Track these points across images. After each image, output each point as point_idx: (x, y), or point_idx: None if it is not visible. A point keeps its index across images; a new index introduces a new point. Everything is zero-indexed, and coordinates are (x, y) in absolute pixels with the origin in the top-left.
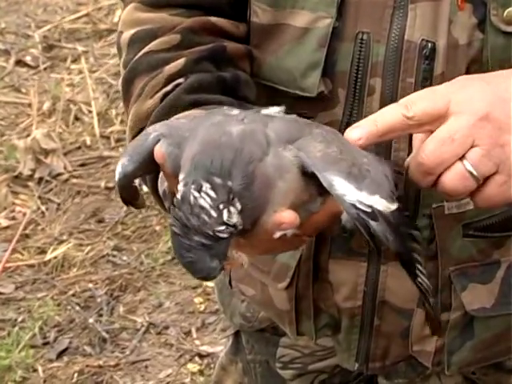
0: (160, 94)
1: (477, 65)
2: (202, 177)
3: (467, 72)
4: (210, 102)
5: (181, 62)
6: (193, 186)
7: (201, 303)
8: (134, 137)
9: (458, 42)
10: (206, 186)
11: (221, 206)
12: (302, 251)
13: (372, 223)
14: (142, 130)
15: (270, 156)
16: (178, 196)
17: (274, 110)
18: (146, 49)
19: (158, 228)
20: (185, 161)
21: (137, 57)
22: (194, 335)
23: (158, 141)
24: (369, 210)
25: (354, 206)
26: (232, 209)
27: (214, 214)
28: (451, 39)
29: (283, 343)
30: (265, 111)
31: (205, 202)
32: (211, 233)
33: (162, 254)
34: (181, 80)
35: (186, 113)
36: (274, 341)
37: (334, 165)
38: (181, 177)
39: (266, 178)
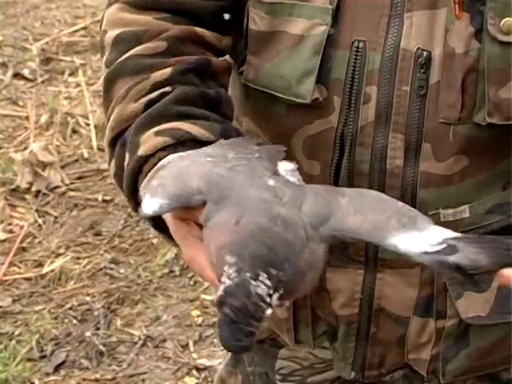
0: (145, 100)
1: (473, 74)
2: (260, 266)
3: (463, 82)
4: (197, 116)
5: (167, 71)
6: (248, 274)
7: (198, 316)
8: (113, 138)
9: (455, 51)
10: (263, 276)
11: (271, 292)
12: None
13: (453, 258)
14: (123, 131)
15: (307, 252)
16: (232, 283)
17: (287, 168)
18: (132, 52)
19: (155, 241)
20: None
21: (121, 58)
22: (192, 348)
23: (203, 202)
24: (442, 246)
25: (426, 252)
26: (277, 294)
27: (267, 300)
28: (447, 48)
29: (282, 355)
30: (281, 169)
31: (262, 290)
32: (261, 316)
33: (160, 267)
34: (167, 89)
35: (212, 147)
36: (273, 352)
37: (385, 228)
38: (231, 260)
39: (302, 271)
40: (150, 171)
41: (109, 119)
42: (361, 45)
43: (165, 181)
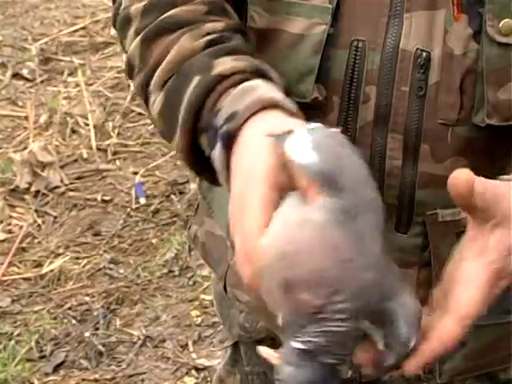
0: (205, 39)
1: (472, 75)
2: (365, 316)
3: (461, 83)
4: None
5: (218, 25)
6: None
7: (197, 316)
8: (166, 80)
9: (454, 52)
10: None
11: None
12: None
13: None
14: (180, 67)
15: None
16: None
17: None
18: (169, 13)
19: (154, 241)
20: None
21: (159, 19)
22: (191, 348)
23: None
24: None
25: None
26: None
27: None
28: (446, 49)
29: None
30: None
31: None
32: None
33: (159, 267)
34: (226, 34)
35: None
36: None
37: None
38: (339, 297)
39: None
40: (224, 91)
41: (155, 69)
42: (360, 44)
43: None
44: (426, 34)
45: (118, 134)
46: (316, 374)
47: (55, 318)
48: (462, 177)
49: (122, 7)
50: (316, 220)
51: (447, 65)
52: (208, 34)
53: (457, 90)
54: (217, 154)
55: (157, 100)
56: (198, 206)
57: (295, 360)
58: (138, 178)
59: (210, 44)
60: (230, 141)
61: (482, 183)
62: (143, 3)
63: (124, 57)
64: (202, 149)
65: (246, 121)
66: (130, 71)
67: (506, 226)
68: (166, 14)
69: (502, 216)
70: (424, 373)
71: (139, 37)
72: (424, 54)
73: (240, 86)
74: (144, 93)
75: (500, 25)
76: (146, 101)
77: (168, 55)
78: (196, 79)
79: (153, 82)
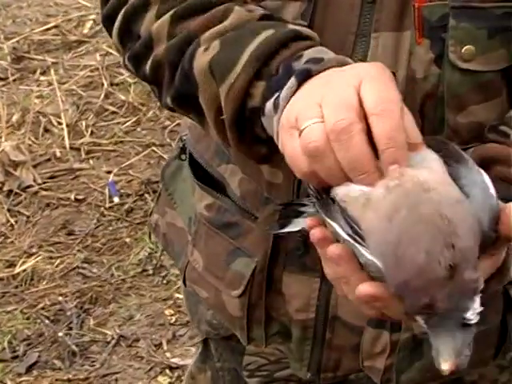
0: (259, 13)
1: (433, 99)
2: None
3: (422, 106)
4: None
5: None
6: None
7: (171, 315)
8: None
9: (415, 75)
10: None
11: None
12: (257, 262)
13: None
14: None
15: None
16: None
17: None
18: None
19: (128, 240)
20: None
21: (192, 0)
22: (165, 347)
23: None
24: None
25: None
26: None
27: None
28: (410, 71)
29: (249, 351)
30: None
31: None
32: None
33: (133, 266)
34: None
35: None
36: (240, 348)
37: None
38: None
39: None
40: (296, 52)
41: (199, 31)
42: None
43: None
44: (393, 54)
45: (92, 132)
46: None
47: (28, 318)
48: None
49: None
50: None
51: (410, 87)
52: (252, 10)
53: (417, 113)
54: (286, 88)
55: (210, 47)
56: (159, 194)
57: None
58: (111, 177)
59: (264, 16)
60: (306, 78)
61: None
62: None
63: (143, 35)
64: (249, 105)
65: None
66: (147, 46)
67: None
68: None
69: None
70: (381, 382)
71: (168, 14)
72: None
73: (318, 46)
74: (177, 51)
75: (462, 51)
76: (177, 61)
77: (225, 20)
78: (269, 31)
79: (203, 38)
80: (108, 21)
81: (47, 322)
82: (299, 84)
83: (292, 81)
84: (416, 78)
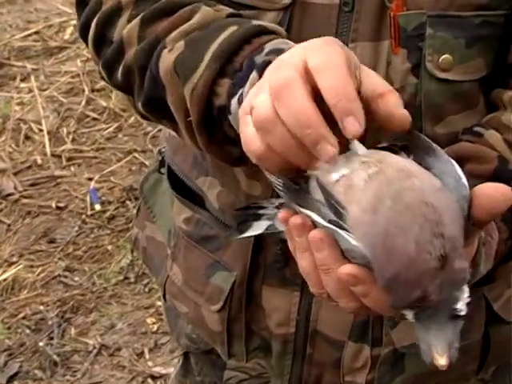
0: (226, 11)
1: (410, 109)
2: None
3: None
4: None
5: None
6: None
7: (153, 323)
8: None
9: (393, 85)
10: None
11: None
12: (236, 276)
13: None
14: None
15: None
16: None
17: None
18: None
19: (110, 248)
20: None
21: (161, 2)
22: (147, 356)
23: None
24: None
25: None
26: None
27: None
28: (388, 81)
29: (230, 365)
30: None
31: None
32: None
33: (114, 274)
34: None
35: None
36: (221, 363)
37: None
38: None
39: None
40: (259, 47)
41: (166, 33)
42: None
43: None
44: (371, 64)
45: (73, 139)
46: None
47: (9, 328)
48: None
49: (107, 6)
50: None
51: None
52: (219, 9)
53: None
54: (249, 83)
55: (174, 47)
56: (139, 208)
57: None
58: (92, 184)
59: (231, 15)
60: (265, 67)
61: None
62: None
63: (115, 39)
64: (216, 104)
65: None
66: (119, 51)
67: None
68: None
69: None
70: None
71: (138, 18)
72: None
73: (281, 39)
74: (145, 55)
75: (439, 60)
76: (146, 65)
77: (191, 20)
78: (232, 28)
79: (168, 39)
80: (84, 31)
81: (28, 331)
82: (260, 76)
83: (253, 74)
84: (393, 87)
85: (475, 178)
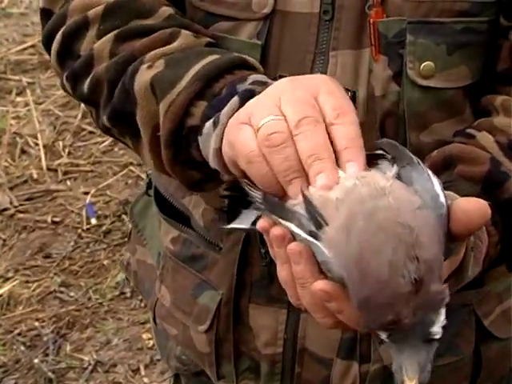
0: (205, 39)
1: (393, 117)
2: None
3: (382, 124)
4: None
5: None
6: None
7: (149, 339)
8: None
9: (374, 93)
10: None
11: None
12: (223, 295)
13: None
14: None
15: None
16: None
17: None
18: (145, 21)
19: (106, 262)
20: None
21: (136, 23)
22: (143, 372)
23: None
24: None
25: None
26: None
27: None
28: (370, 89)
29: None
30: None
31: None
32: None
33: (110, 289)
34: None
35: None
36: None
37: None
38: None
39: None
40: (241, 77)
41: (144, 51)
42: None
43: None
44: (352, 73)
45: (69, 153)
46: None
47: (4, 345)
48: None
49: (73, 19)
50: None
51: (370, 106)
52: (199, 36)
53: (377, 132)
54: (228, 105)
55: (154, 65)
56: (130, 233)
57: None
58: (88, 199)
59: (210, 44)
60: (249, 98)
61: None
62: (101, 7)
63: (84, 53)
64: (188, 123)
65: None
66: (87, 64)
67: None
68: (141, 21)
69: None
70: None
71: (111, 34)
72: (349, 93)
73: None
74: (117, 69)
75: (421, 67)
76: (117, 78)
77: (172, 43)
78: (215, 56)
79: (148, 56)
80: (47, 41)
81: (23, 348)
82: (242, 102)
83: (235, 99)
84: (375, 95)
85: (467, 180)
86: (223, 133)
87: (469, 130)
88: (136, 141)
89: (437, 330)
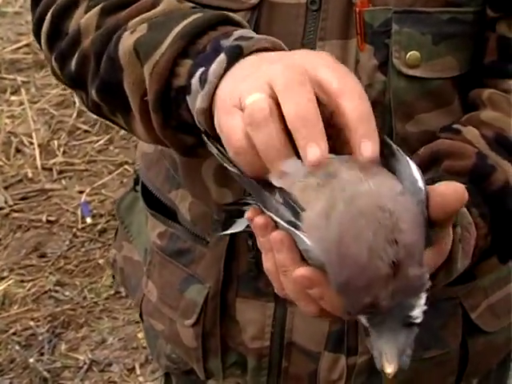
0: (189, 4)
1: (379, 107)
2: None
3: None
4: None
5: None
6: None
7: (144, 338)
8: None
9: (361, 82)
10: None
11: None
12: (210, 288)
13: None
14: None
15: None
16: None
17: None
18: None
19: (101, 261)
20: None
21: None
22: (138, 371)
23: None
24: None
25: None
26: None
27: None
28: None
29: None
30: None
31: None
32: None
33: (106, 288)
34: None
35: None
36: (201, 383)
37: None
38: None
39: None
40: (225, 33)
41: (128, 19)
42: None
43: None
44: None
45: (64, 152)
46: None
47: None
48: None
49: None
50: None
51: None
52: (183, 1)
53: None
54: (216, 63)
55: (137, 29)
56: (117, 230)
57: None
58: (83, 198)
59: (195, 7)
60: (238, 57)
61: None
62: None
63: (71, 30)
64: (174, 84)
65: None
66: (75, 40)
67: None
68: None
69: None
70: None
71: (97, 7)
72: None
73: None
74: (103, 40)
75: (407, 57)
76: (103, 50)
77: (155, 8)
78: (197, 15)
79: (130, 23)
80: (38, 27)
81: (18, 347)
82: (229, 59)
83: (222, 56)
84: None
85: (454, 175)
86: (213, 93)
87: (455, 126)
88: (127, 115)
89: (416, 314)
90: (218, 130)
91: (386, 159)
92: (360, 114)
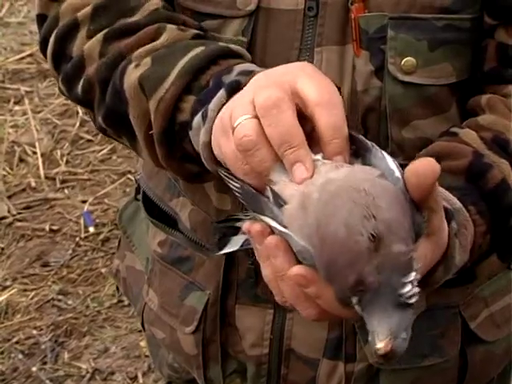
0: (192, 32)
1: (375, 113)
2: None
3: (364, 119)
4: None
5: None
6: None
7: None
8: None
9: (357, 89)
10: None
11: None
12: (210, 295)
13: None
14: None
15: None
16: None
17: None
18: (131, 19)
19: (103, 270)
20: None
21: (122, 22)
22: (141, 380)
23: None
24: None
25: None
26: None
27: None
28: (353, 85)
29: None
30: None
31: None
32: None
33: (108, 297)
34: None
35: None
36: None
37: None
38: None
39: None
40: (227, 68)
41: (131, 49)
42: None
43: None
44: (337, 69)
45: (67, 161)
46: None
47: (2, 353)
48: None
49: (64, 22)
50: None
51: (353, 101)
52: (185, 30)
53: (358, 127)
54: (215, 99)
55: (141, 63)
56: (120, 240)
57: None
58: (86, 207)
59: (197, 36)
60: (236, 90)
61: None
62: (89, 8)
63: (75, 55)
64: (178, 119)
65: None
66: (79, 67)
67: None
68: (127, 19)
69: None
70: None
71: (100, 34)
72: None
73: (248, 63)
74: (107, 69)
75: (402, 63)
76: (108, 79)
77: (157, 39)
78: (200, 48)
79: (134, 55)
80: (44, 46)
81: (21, 356)
82: (229, 95)
83: (221, 92)
84: (357, 90)
85: (452, 175)
86: (212, 127)
87: (452, 129)
88: (132, 140)
89: (408, 293)
90: (216, 151)
91: (363, 157)
92: (332, 127)
